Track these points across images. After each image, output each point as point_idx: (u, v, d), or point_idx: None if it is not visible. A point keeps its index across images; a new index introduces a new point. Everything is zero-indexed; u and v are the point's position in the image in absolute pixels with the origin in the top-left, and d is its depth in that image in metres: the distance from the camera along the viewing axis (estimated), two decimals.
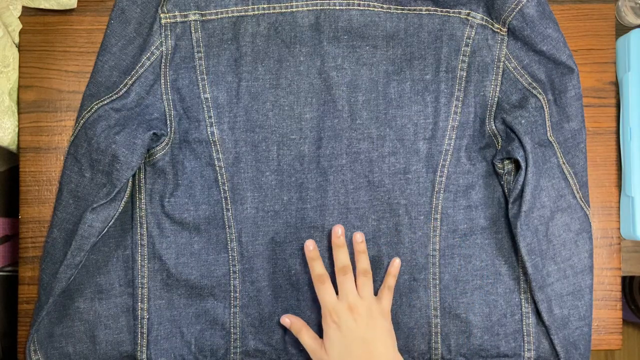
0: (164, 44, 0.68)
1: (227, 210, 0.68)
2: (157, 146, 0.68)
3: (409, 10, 0.68)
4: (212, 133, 0.68)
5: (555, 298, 0.67)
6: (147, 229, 0.69)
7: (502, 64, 0.69)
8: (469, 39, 0.68)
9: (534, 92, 0.67)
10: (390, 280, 0.67)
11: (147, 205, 0.69)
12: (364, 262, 0.66)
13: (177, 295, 0.69)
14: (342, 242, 0.66)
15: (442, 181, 0.69)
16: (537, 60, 0.68)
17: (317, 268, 0.65)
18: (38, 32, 0.71)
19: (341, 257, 0.66)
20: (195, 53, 0.68)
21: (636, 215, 0.70)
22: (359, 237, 0.67)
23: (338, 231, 0.66)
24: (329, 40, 0.68)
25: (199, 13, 0.68)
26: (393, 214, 0.69)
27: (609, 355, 1.48)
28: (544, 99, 0.67)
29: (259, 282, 0.69)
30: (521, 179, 0.65)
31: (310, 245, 0.66)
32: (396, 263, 0.68)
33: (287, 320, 0.67)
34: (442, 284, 0.69)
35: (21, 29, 0.71)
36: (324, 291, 0.64)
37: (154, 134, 0.66)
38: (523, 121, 0.66)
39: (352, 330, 0.62)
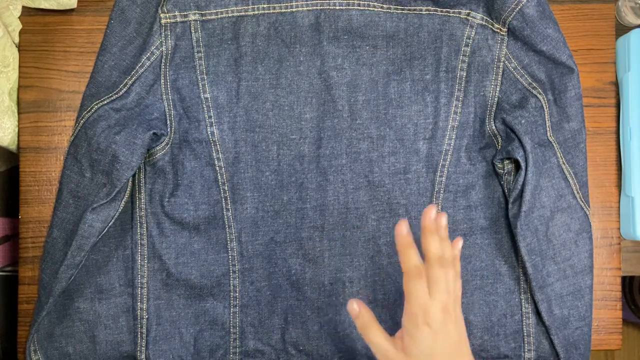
0: (164, 44, 0.68)
1: (227, 210, 0.68)
2: (157, 146, 0.68)
3: (409, 10, 0.68)
4: (212, 133, 0.68)
5: (555, 298, 0.67)
6: (147, 228, 0.69)
7: (502, 64, 0.69)
8: (469, 39, 0.68)
9: (534, 92, 0.67)
10: (458, 266, 0.55)
11: (147, 205, 0.69)
12: (449, 250, 0.54)
13: (177, 295, 0.69)
14: (435, 228, 0.53)
15: (442, 181, 0.69)
16: (537, 60, 0.68)
17: (413, 258, 0.52)
18: (38, 32, 0.71)
19: (436, 245, 0.53)
20: (195, 53, 0.68)
21: (636, 215, 0.70)
22: (444, 221, 0.54)
23: (432, 213, 0.53)
24: (329, 40, 0.68)
25: (199, 13, 0.68)
26: (393, 214, 0.69)
27: (609, 355, 1.48)
28: (544, 99, 0.67)
29: (259, 282, 0.69)
30: (521, 179, 0.65)
31: (404, 229, 0.52)
32: (460, 244, 0.56)
33: (355, 307, 0.54)
34: None
35: (21, 29, 0.71)
36: (419, 287, 0.52)
37: (154, 134, 0.66)
38: (523, 121, 0.66)
39: (445, 334, 0.52)
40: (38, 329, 0.66)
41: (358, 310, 0.54)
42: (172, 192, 0.68)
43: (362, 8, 0.68)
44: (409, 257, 0.52)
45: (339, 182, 0.68)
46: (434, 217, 0.53)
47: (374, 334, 0.53)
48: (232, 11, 0.68)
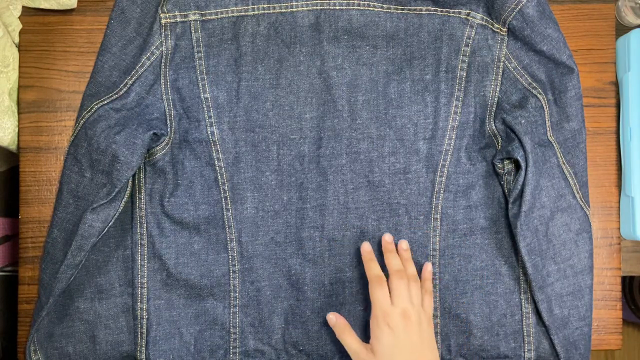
0: (164, 44, 0.68)
1: (227, 210, 0.68)
2: (157, 146, 0.68)
3: (409, 10, 0.68)
4: (212, 133, 0.68)
5: (555, 298, 0.67)
6: (147, 228, 0.69)
7: (502, 64, 0.69)
8: (469, 39, 0.68)
9: (534, 92, 0.67)
10: (429, 285, 0.66)
11: (147, 205, 0.69)
12: (412, 269, 0.66)
13: (177, 295, 0.69)
14: (394, 248, 0.67)
15: (442, 181, 0.69)
16: (537, 60, 0.68)
17: (374, 269, 0.64)
18: (38, 32, 0.71)
19: (395, 261, 0.65)
20: (195, 53, 0.68)
21: (636, 215, 0.70)
22: (404, 245, 0.67)
23: (387, 238, 0.67)
24: (329, 40, 0.68)
25: (199, 13, 0.68)
26: (393, 214, 0.69)
27: (609, 355, 1.48)
28: (544, 99, 0.67)
29: (259, 282, 0.69)
30: (521, 179, 0.65)
31: (367, 247, 0.66)
32: (430, 267, 0.67)
33: (332, 318, 0.66)
34: (442, 284, 0.69)
35: (21, 29, 0.71)
36: (380, 293, 0.62)
37: (154, 133, 0.66)
38: (523, 121, 0.66)
39: (405, 336, 0.61)
40: (38, 329, 0.66)
41: (335, 320, 0.65)
42: (172, 192, 0.68)
43: (362, 8, 0.68)
44: (371, 268, 0.65)
45: (339, 182, 0.68)
46: (391, 241, 0.67)
47: (348, 338, 0.64)
48: (232, 11, 0.68)
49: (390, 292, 0.63)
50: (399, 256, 0.66)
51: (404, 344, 0.61)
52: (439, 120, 0.68)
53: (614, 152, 0.73)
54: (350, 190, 0.69)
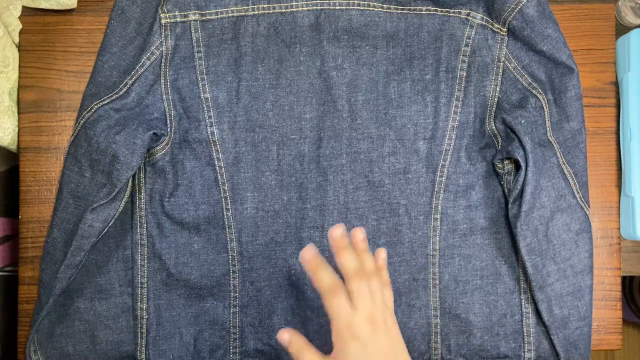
0: (164, 44, 0.68)
1: (227, 210, 0.68)
2: (157, 146, 0.68)
3: (409, 10, 0.68)
4: (212, 133, 0.68)
5: (555, 298, 0.67)
6: (147, 228, 0.69)
7: (502, 64, 0.69)
8: (469, 39, 0.68)
9: (534, 92, 0.67)
10: (385, 275, 0.57)
11: (147, 205, 0.69)
12: (370, 262, 0.55)
13: (177, 295, 0.69)
14: (346, 243, 0.54)
15: (442, 181, 0.69)
16: (537, 60, 0.68)
17: (325, 278, 0.52)
18: (38, 32, 0.71)
19: (351, 260, 0.53)
20: (195, 53, 0.68)
21: (636, 215, 0.70)
22: (360, 235, 0.56)
23: (338, 232, 0.53)
24: (329, 40, 0.68)
25: (199, 13, 0.68)
26: (393, 214, 0.69)
27: (609, 355, 1.48)
28: (544, 99, 0.67)
29: (259, 282, 0.69)
30: (521, 179, 0.65)
31: (308, 254, 0.53)
32: (383, 255, 0.57)
33: (285, 336, 0.53)
34: (441, 284, 0.69)
35: (21, 29, 0.71)
36: (339, 303, 0.51)
37: (154, 133, 0.66)
38: (523, 121, 0.66)
39: (374, 344, 0.52)
40: (38, 329, 0.66)
41: (288, 339, 0.53)
42: (172, 192, 0.68)
43: (362, 8, 0.68)
44: (321, 278, 0.52)
45: (339, 182, 0.68)
46: (342, 235, 0.53)
47: (308, 357, 0.52)
48: (232, 11, 0.68)
49: (350, 297, 0.52)
50: (355, 249, 0.55)
51: (375, 353, 0.52)
52: (439, 120, 0.68)
53: (614, 152, 0.73)
54: (350, 190, 0.69)
